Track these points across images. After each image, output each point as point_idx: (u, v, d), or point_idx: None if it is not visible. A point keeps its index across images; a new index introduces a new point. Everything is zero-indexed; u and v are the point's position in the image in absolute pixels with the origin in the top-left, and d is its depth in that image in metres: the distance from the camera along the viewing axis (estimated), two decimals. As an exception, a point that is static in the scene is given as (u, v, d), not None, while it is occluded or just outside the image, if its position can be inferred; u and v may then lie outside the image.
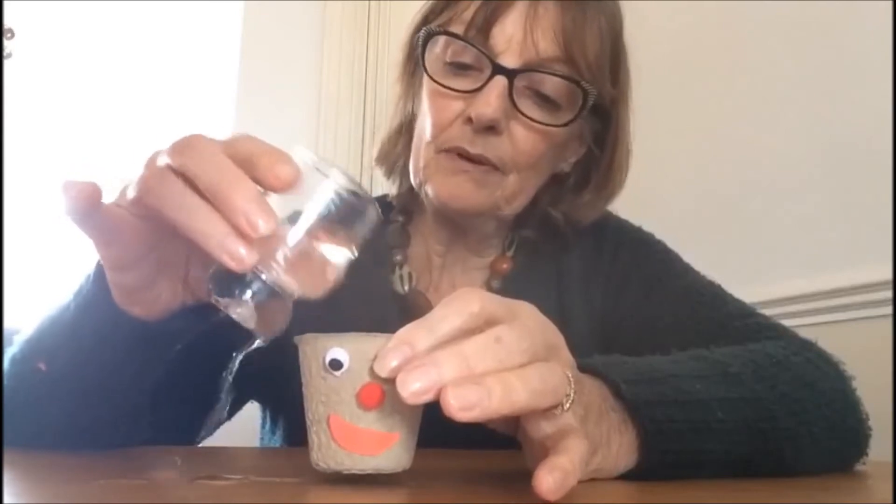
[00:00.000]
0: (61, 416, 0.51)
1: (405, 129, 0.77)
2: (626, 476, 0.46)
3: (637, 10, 1.65)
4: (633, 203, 0.89)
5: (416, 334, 0.37)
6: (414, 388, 0.35)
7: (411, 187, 0.77)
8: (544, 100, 0.68)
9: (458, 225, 0.76)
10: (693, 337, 0.65)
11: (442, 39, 0.69)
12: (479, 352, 0.37)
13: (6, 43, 2.05)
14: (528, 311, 0.40)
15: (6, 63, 2.07)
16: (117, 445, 0.54)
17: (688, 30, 1.62)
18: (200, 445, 0.71)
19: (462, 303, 0.38)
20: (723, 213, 1.48)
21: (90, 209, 0.40)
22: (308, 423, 0.40)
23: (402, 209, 0.80)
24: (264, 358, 0.73)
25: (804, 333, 0.67)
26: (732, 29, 1.51)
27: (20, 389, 0.52)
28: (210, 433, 0.78)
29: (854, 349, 1.15)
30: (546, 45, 0.67)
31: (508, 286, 0.77)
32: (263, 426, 0.82)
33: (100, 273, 0.47)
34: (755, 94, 1.44)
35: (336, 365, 0.38)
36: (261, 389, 0.77)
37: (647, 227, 0.84)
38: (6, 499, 0.32)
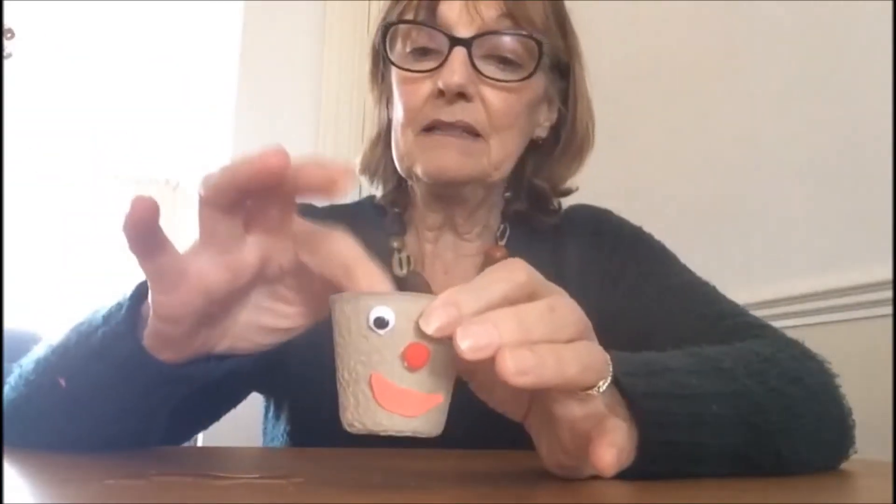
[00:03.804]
0: (73, 431, 0.51)
1: (383, 135, 0.81)
2: (624, 475, 0.46)
3: (636, 10, 1.64)
4: (632, 203, 0.89)
5: (462, 296, 0.37)
6: (471, 344, 0.35)
7: (396, 186, 0.81)
8: (504, 62, 0.72)
9: (447, 206, 0.78)
10: (685, 333, 0.66)
11: (400, 33, 0.74)
12: (535, 318, 0.37)
13: (6, 43, 2.05)
14: (564, 292, 0.41)
15: (6, 63, 2.07)
16: (135, 447, 0.54)
17: (687, 30, 1.62)
18: (200, 445, 0.72)
19: (509, 272, 0.39)
20: (722, 214, 1.48)
21: (145, 222, 0.39)
22: (343, 383, 0.39)
23: (393, 203, 0.82)
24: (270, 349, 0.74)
25: (804, 333, 0.67)
26: (732, 29, 1.51)
27: (35, 399, 0.52)
28: (212, 422, 0.78)
29: (854, 349, 1.16)
30: (491, 11, 0.72)
31: None
32: (266, 415, 0.83)
33: (133, 307, 0.46)
34: (754, 93, 1.44)
35: (381, 323, 0.37)
36: (263, 379, 0.78)
37: (646, 227, 0.84)
38: (6, 499, 0.32)
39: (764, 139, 1.41)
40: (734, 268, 1.39)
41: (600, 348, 0.40)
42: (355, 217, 0.83)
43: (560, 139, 0.80)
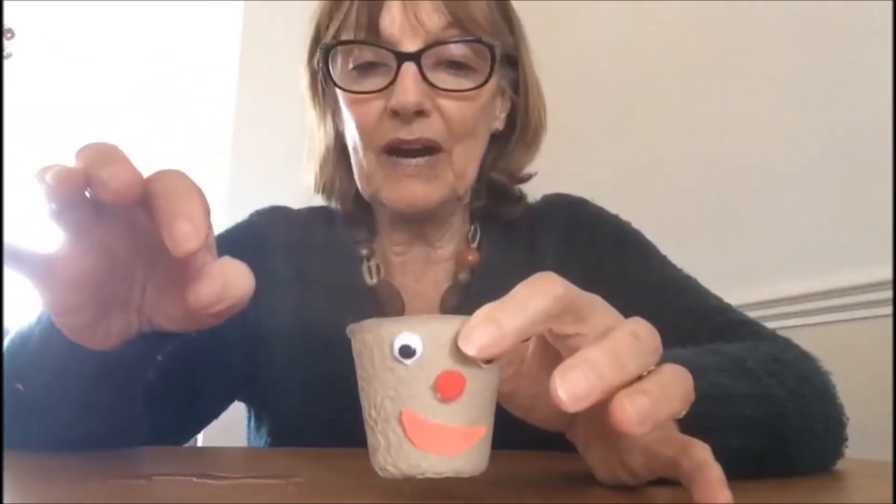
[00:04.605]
0: (51, 431, 0.51)
1: (333, 148, 0.78)
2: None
3: (637, 9, 1.64)
4: (633, 203, 0.89)
5: (502, 314, 0.33)
6: (572, 392, 0.32)
7: (356, 199, 0.78)
8: (457, 68, 0.70)
9: (417, 226, 0.76)
10: (673, 329, 0.64)
11: (341, 50, 0.71)
12: (626, 350, 0.34)
13: (6, 43, 2.05)
14: (602, 300, 0.38)
15: (6, 63, 2.07)
16: (116, 448, 0.54)
17: (687, 30, 1.62)
18: (199, 445, 0.72)
19: (545, 285, 0.35)
20: (722, 213, 1.48)
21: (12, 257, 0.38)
22: (370, 422, 0.35)
23: (356, 216, 0.80)
24: (246, 358, 0.74)
25: (805, 333, 0.67)
26: (732, 29, 1.51)
27: (7, 404, 0.51)
28: (197, 431, 0.78)
29: (854, 349, 1.16)
30: (435, 20, 0.68)
31: (478, 277, 0.77)
32: (249, 424, 0.82)
33: None
34: (754, 93, 1.44)
35: (407, 352, 0.33)
36: (244, 389, 0.77)
37: (645, 227, 0.83)
38: (6, 499, 0.32)
39: (764, 139, 1.41)
40: (734, 268, 1.39)
41: (685, 370, 0.37)
42: (329, 221, 0.81)
43: (515, 128, 0.78)
